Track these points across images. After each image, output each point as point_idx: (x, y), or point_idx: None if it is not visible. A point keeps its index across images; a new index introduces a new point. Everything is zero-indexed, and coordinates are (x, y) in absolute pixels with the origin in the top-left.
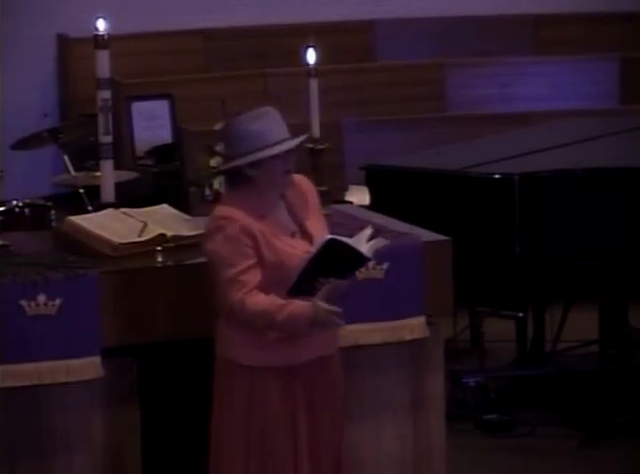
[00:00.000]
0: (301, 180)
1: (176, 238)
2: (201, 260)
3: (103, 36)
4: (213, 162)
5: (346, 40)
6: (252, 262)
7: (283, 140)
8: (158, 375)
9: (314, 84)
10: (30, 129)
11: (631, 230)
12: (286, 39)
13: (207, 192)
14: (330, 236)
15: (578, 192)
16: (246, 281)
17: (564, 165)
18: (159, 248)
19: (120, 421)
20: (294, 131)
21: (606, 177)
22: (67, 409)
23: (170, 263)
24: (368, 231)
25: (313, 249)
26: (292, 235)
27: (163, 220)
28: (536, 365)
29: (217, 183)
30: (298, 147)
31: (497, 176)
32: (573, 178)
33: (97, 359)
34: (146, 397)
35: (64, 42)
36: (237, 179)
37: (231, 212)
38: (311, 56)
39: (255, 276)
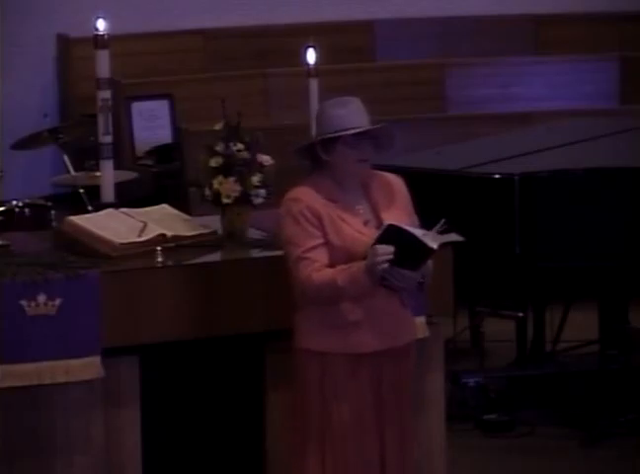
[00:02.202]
0: (395, 180)
1: (176, 238)
2: (202, 260)
3: (103, 36)
4: (213, 162)
5: (346, 40)
6: (319, 241)
7: (356, 128)
8: (158, 375)
9: (314, 84)
10: (30, 129)
11: (631, 230)
12: (286, 39)
13: (207, 192)
14: (391, 222)
15: (578, 192)
16: (313, 259)
17: (564, 165)
18: (159, 248)
19: (120, 421)
20: (294, 131)
21: (606, 177)
22: (67, 409)
23: (170, 263)
24: (439, 225)
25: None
26: (365, 223)
27: (163, 220)
28: (536, 365)
29: (217, 182)
30: (377, 139)
31: (497, 176)
32: (573, 178)
33: (97, 359)
34: (146, 397)
35: (64, 42)
36: (316, 163)
37: (299, 193)
38: (311, 56)
39: (322, 255)
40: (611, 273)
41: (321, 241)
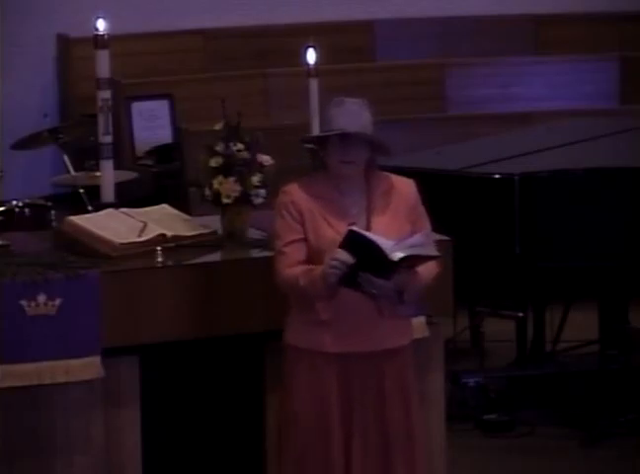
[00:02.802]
0: (403, 184)
1: (176, 238)
2: (202, 260)
3: (103, 36)
4: (213, 162)
5: (346, 40)
6: (298, 236)
7: (340, 130)
8: (158, 375)
9: (314, 84)
10: (30, 129)
11: (631, 230)
12: (286, 39)
13: (207, 192)
14: (353, 228)
15: (578, 192)
16: (289, 254)
17: (564, 165)
18: (159, 248)
19: (120, 421)
20: (294, 131)
21: (606, 177)
22: (67, 409)
23: (170, 263)
24: (418, 238)
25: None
26: (350, 225)
27: (163, 220)
28: (536, 365)
29: (217, 182)
30: (358, 141)
31: (497, 176)
32: (573, 178)
33: (97, 359)
34: (146, 397)
35: (64, 42)
36: (317, 160)
37: (290, 187)
38: (311, 56)
39: (298, 251)
40: (611, 273)
41: (300, 236)
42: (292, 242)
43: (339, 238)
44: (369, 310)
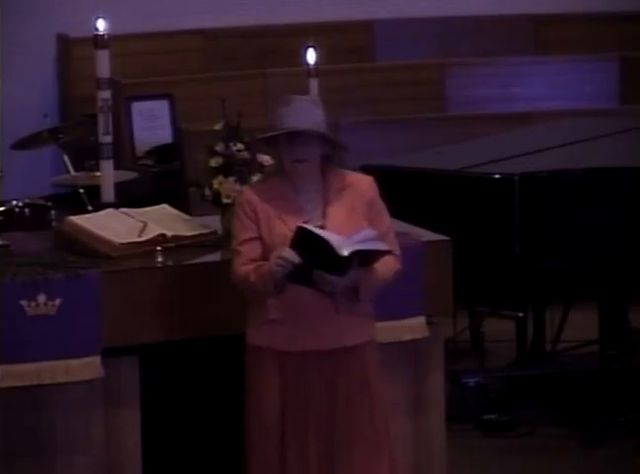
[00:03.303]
0: (361, 181)
1: (176, 238)
2: (202, 260)
3: (103, 36)
4: (213, 162)
5: (345, 40)
6: (252, 235)
7: (286, 129)
8: (158, 375)
9: (314, 84)
10: (30, 129)
11: (631, 230)
12: (286, 39)
13: (207, 192)
14: (302, 224)
15: (578, 192)
16: (243, 253)
17: (564, 165)
18: (159, 248)
19: (120, 421)
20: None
21: (606, 177)
22: (67, 409)
23: (170, 263)
24: (366, 233)
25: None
26: (305, 222)
27: (163, 220)
28: (536, 365)
29: (217, 182)
30: (305, 140)
31: (497, 176)
32: (573, 178)
33: (97, 359)
34: (146, 397)
35: (64, 42)
36: (276, 161)
37: (249, 188)
38: (311, 56)
39: (252, 250)
40: (611, 273)
41: (255, 235)
42: (247, 241)
43: (291, 235)
44: (326, 308)
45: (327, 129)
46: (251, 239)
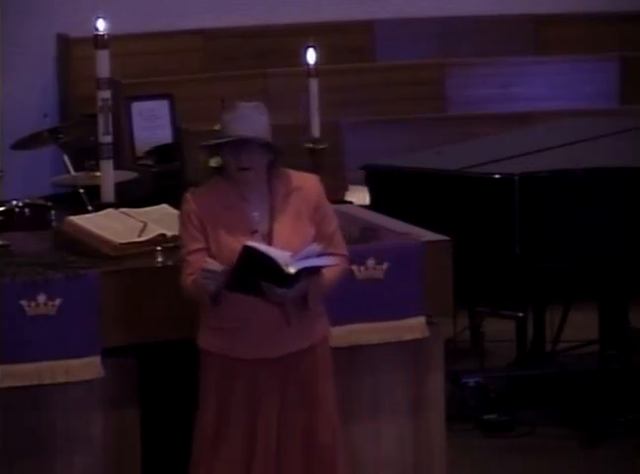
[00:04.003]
0: (306, 182)
1: (176, 238)
2: None
3: (103, 36)
4: (213, 162)
5: (345, 40)
6: (200, 246)
7: (231, 137)
8: (158, 375)
9: (314, 84)
10: (30, 129)
11: (631, 230)
12: (286, 39)
13: None
14: (248, 243)
15: (578, 192)
16: (191, 262)
17: (564, 165)
18: (159, 248)
19: (120, 421)
20: (294, 131)
21: (606, 177)
22: (67, 409)
23: (170, 263)
24: (312, 249)
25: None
26: (252, 233)
27: (163, 220)
28: (536, 365)
29: None
30: (251, 148)
31: (497, 176)
32: (573, 178)
33: (97, 359)
34: (146, 397)
35: (64, 42)
36: (221, 168)
37: (192, 195)
38: (311, 56)
39: (201, 260)
40: (611, 273)
41: (202, 246)
42: (195, 251)
43: (238, 246)
44: (276, 317)
45: (270, 136)
46: (199, 249)
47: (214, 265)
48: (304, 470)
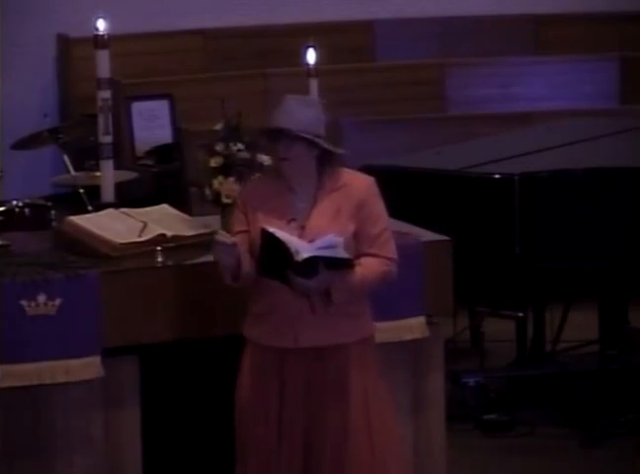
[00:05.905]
0: (355, 182)
1: (176, 238)
2: (202, 260)
3: (103, 36)
4: (213, 162)
5: (345, 40)
6: (243, 228)
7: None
8: (158, 375)
9: (314, 84)
10: (30, 129)
11: (631, 230)
12: (286, 39)
13: (207, 192)
14: (267, 227)
15: (578, 192)
16: None
17: (564, 165)
18: (159, 248)
19: (120, 421)
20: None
21: (606, 177)
22: (67, 409)
23: (170, 263)
24: (330, 239)
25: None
26: (289, 222)
27: (163, 220)
28: (536, 365)
29: (217, 182)
30: (287, 140)
31: (497, 176)
32: (573, 178)
33: (97, 359)
34: (146, 397)
35: (64, 42)
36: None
37: (250, 182)
38: (311, 56)
39: (241, 242)
40: (611, 273)
41: (244, 228)
42: (238, 233)
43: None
44: (303, 307)
45: (318, 130)
46: (241, 232)
47: (225, 237)
48: (333, 470)
